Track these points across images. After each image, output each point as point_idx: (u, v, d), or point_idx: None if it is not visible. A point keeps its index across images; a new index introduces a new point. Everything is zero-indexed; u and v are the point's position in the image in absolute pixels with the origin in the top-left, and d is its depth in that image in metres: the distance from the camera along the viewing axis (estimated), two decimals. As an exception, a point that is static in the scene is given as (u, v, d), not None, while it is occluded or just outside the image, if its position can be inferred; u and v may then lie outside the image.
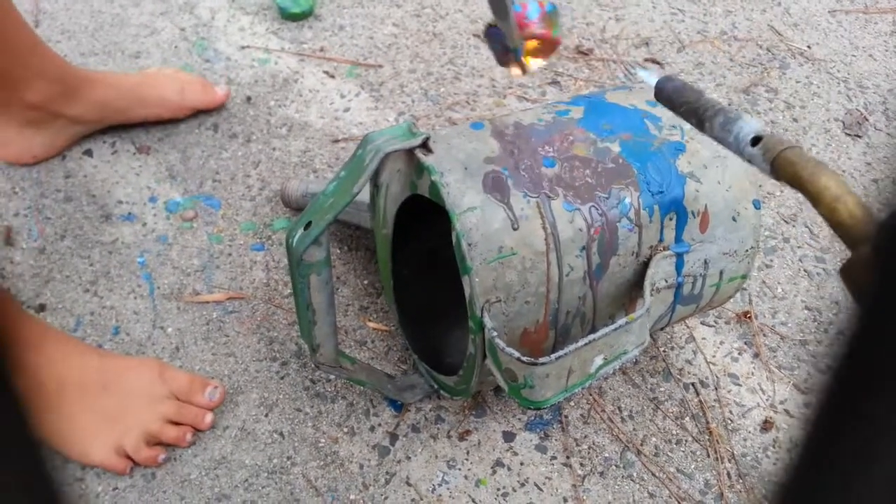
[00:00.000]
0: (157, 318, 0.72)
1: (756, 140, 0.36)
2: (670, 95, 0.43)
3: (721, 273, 0.61)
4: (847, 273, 0.28)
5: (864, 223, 0.29)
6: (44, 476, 0.18)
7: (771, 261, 0.82)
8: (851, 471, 0.18)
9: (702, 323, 0.76)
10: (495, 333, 0.51)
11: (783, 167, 0.33)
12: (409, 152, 0.56)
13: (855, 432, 0.18)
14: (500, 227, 0.53)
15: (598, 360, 0.51)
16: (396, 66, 0.98)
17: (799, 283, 0.80)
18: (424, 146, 0.55)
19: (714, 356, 0.73)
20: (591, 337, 0.50)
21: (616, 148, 0.57)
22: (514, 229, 0.53)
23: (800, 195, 0.88)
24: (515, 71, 0.58)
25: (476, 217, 0.53)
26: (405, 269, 0.71)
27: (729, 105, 1.00)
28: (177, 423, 0.64)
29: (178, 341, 0.71)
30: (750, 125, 0.37)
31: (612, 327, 0.51)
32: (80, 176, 0.83)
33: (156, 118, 0.85)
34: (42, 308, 0.72)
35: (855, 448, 0.18)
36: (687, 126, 0.60)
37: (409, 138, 0.55)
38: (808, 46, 1.07)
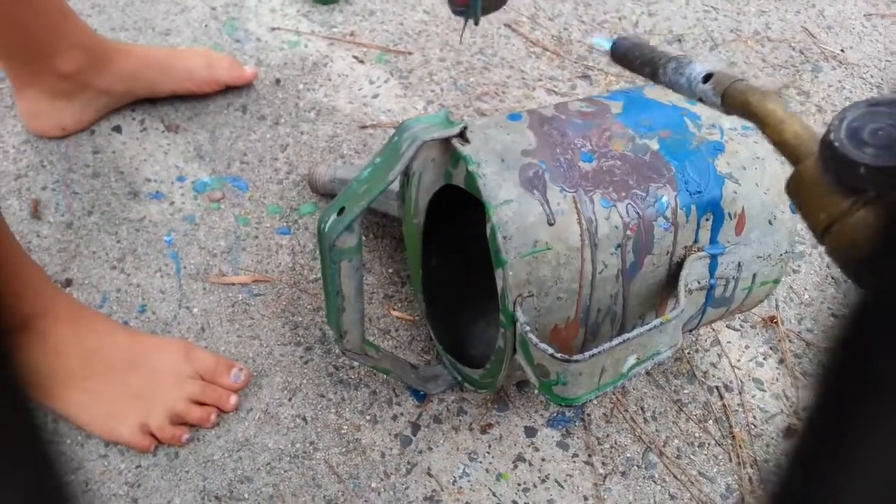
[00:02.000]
0: (182, 298, 0.72)
1: (707, 77, 0.37)
2: (626, 52, 0.43)
3: (754, 277, 0.60)
4: (791, 187, 0.30)
5: (806, 141, 0.31)
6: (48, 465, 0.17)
7: (798, 266, 0.81)
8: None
9: (727, 326, 0.75)
10: (528, 328, 0.51)
11: (733, 97, 0.35)
12: (445, 142, 0.56)
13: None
14: (535, 221, 0.53)
15: (631, 360, 0.51)
16: (426, 53, 0.97)
17: (826, 290, 0.79)
18: (462, 136, 0.55)
19: (739, 360, 0.73)
20: (626, 336, 0.50)
21: (655, 145, 0.57)
22: (550, 224, 0.53)
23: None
24: (468, 21, 0.56)
25: (512, 210, 0.52)
26: (432, 259, 0.71)
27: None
28: (201, 404, 0.64)
29: (204, 322, 0.71)
30: (702, 66, 0.38)
31: (647, 327, 0.50)
32: (108, 152, 0.83)
33: (184, 92, 0.85)
34: (69, 283, 0.72)
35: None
36: (727, 125, 0.59)
37: (447, 127, 0.55)
38: (842, 50, 1.06)
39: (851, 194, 0.28)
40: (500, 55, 0.98)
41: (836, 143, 0.28)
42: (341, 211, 0.56)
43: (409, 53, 0.97)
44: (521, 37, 1.01)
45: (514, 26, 1.02)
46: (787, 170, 0.59)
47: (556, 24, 1.03)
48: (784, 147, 0.32)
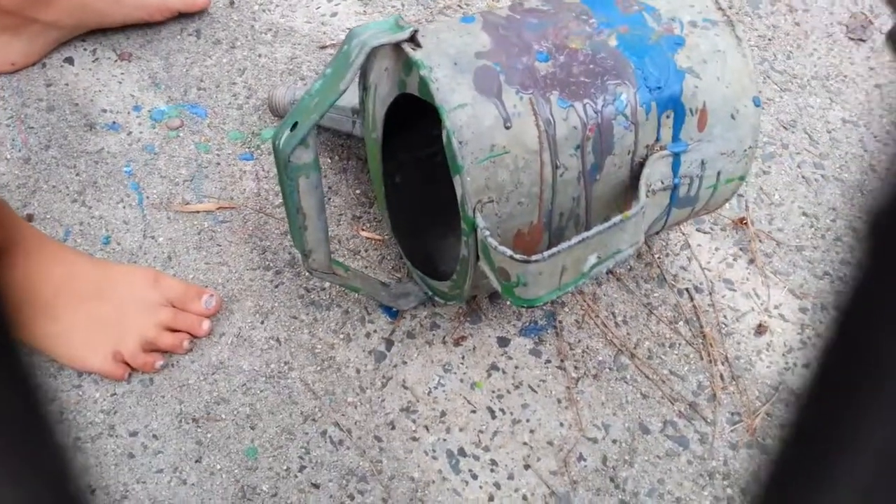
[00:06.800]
0: (147, 228, 0.71)
1: None
2: None
3: (718, 174, 0.60)
4: (893, 37, 0.31)
5: None
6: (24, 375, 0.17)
7: (769, 167, 0.80)
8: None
9: (697, 230, 0.75)
10: (488, 233, 0.51)
11: None
12: (397, 49, 0.54)
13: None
14: (491, 124, 0.51)
15: (592, 259, 0.51)
16: (386, -32, 0.93)
17: (797, 189, 0.79)
18: (413, 40, 0.53)
19: (709, 262, 0.73)
20: (585, 235, 0.49)
21: (613, 41, 0.55)
22: (507, 127, 0.52)
23: (799, 101, 0.87)
24: None
25: (467, 114, 0.51)
26: (397, 176, 0.70)
27: (729, 7, 0.96)
28: (174, 331, 0.64)
29: (170, 251, 0.70)
30: None
31: (606, 225, 0.50)
32: (61, 84, 0.80)
33: (136, 21, 0.82)
34: (30, 218, 0.71)
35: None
36: (687, 18, 0.57)
37: (397, 32, 0.53)
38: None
39: None
40: (462, -34, 0.95)
41: None
42: (294, 126, 0.54)
43: (368, -32, 0.93)
44: (484, -55, 0.97)
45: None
46: (749, 63, 0.58)
47: (521, -69, 0.99)
48: None
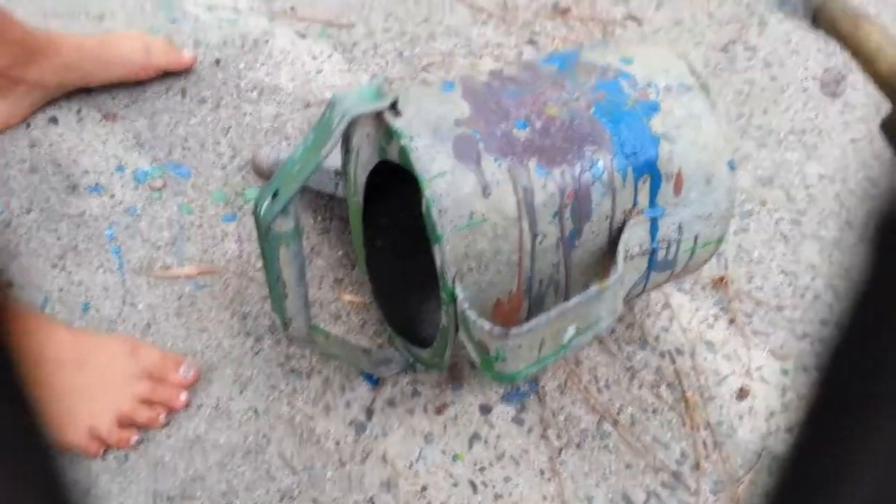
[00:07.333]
0: (126, 294, 0.70)
1: None
2: None
3: (696, 238, 0.60)
4: (886, 128, 0.27)
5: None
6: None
7: (747, 224, 0.81)
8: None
9: (678, 290, 0.75)
10: (467, 305, 0.50)
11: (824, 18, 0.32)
12: (379, 115, 0.55)
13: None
14: (470, 192, 0.52)
15: (571, 331, 0.50)
16: (370, 24, 0.95)
17: (775, 247, 0.79)
18: (394, 108, 0.53)
19: (690, 323, 0.73)
20: (563, 307, 0.49)
21: (589, 108, 0.56)
22: (486, 195, 0.52)
23: (776, 156, 0.88)
24: None
25: (446, 182, 0.51)
26: (378, 240, 0.70)
27: (705, 64, 0.98)
28: (150, 403, 0.63)
29: (150, 317, 0.69)
30: None
31: (584, 296, 0.50)
32: (45, 145, 0.80)
33: (120, 80, 0.82)
34: (9, 285, 0.70)
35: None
36: (662, 83, 0.58)
37: (378, 100, 0.53)
38: (791, 4, 1.05)
39: None
40: (445, 23, 0.96)
41: None
42: (275, 194, 0.54)
43: (352, 26, 0.95)
44: (466, 4, 0.99)
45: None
46: (723, 126, 0.59)
47: (502, -8, 1.01)
48: (880, 82, 0.30)
